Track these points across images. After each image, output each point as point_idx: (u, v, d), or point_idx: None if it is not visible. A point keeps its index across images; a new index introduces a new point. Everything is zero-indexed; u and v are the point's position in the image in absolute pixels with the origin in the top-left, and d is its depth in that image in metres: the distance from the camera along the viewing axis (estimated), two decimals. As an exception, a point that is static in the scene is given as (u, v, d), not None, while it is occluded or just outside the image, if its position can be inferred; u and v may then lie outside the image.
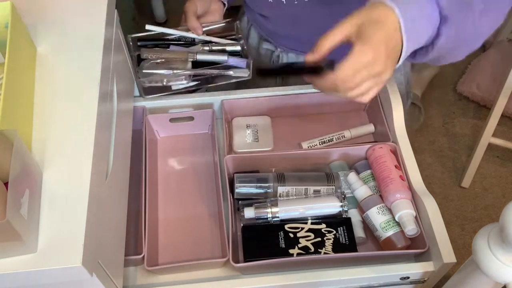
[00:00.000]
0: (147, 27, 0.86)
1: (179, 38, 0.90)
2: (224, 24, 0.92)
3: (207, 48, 0.88)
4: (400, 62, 0.62)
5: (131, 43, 0.87)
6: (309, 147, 0.88)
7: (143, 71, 0.82)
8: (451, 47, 0.65)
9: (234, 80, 0.86)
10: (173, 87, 0.85)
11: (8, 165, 0.50)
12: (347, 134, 0.89)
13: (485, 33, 0.66)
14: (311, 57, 0.62)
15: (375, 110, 0.89)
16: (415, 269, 0.71)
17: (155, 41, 0.90)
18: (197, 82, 0.86)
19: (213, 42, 0.89)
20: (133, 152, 0.82)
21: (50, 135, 0.61)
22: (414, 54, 0.66)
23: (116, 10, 0.79)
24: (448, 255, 0.69)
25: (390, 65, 0.60)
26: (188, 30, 0.89)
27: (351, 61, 0.58)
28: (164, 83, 0.84)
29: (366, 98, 0.63)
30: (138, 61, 0.86)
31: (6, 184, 0.51)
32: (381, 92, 0.88)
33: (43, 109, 0.64)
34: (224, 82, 0.86)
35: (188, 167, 0.89)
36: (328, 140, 0.88)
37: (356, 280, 0.71)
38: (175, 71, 0.82)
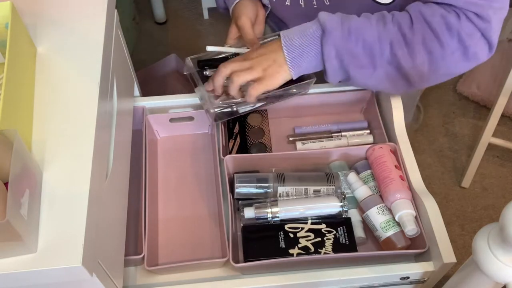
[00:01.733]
0: (208, 48, 0.82)
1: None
2: (276, 36, 0.87)
3: None
4: (294, 70, 0.75)
5: (190, 64, 0.83)
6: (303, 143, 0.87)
7: (214, 106, 0.80)
8: (353, 63, 0.73)
9: (296, 96, 0.86)
10: (241, 111, 0.84)
11: (8, 165, 0.50)
12: (344, 141, 0.88)
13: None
14: None
15: (372, 112, 0.89)
16: (415, 269, 0.71)
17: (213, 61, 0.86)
18: (263, 103, 0.84)
19: None
20: (133, 152, 0.82)
21: (50, 135, 0.61)
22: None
23: (116, 10, 0.79)
24: (448, 255, 0.69)
25: (265, 61, 0.74)
26: (243, 45, 0.85)
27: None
28: (234, 109, 0.83)
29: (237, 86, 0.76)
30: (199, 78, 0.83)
31: (6, 184, 0.51)
32: (381, 92, 0.88)
33: (43, 109, 0.64)
34: (287, 99, 0.85)
35: (188, 167, 0.89)
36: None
37: (356, 280, 0.71)
38: (241, 101, 0.80)
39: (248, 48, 0.84)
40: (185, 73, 0.84)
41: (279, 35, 0.76)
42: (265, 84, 0.75)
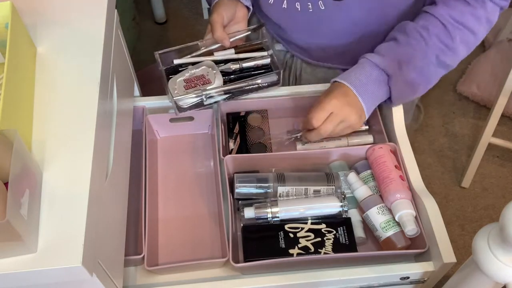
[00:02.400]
0: (175, 61, 0.87)
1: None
2: (250, 32, 0.91)
3: (237, 65, 0.87)
4: (367, 113, 0.82)
5: (159, 60, 0.86)
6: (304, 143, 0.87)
7: (174, 98, 0.82)
8: (410, 90, 0.82)
9: (264, 88, 0.88)
10: (206, 103, 0.86)
11: (8, 165, 0.50)
12: (344, 142, 0.88)
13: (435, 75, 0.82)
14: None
15: (372, 112, 0.89)
16: (415, 269, 0.71)
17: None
18: (229, 95, 0.86)
19: (242, 58, 0.88)
20: (133, 152, 0.82)
21: (50, 135, 0.61)
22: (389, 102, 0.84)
23: (116, 10, 0.79)
24: (448, 255, 0.69)
25: (351, 113, 0.80)
26: (215, 43, 0.87)
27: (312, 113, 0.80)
28: (200, 99, 0.85)
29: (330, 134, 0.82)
30: (167, 74, 0.86)
31: (6, 184, 0.51)
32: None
33: (43, 109, 0.64)
34: (255, 92, 0.87)
35: (188, 167, 0.89)
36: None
37: (356, 280, 0.71)
38: (205, 93, 0.83)
39: (218, 44, 0.87)
40: (159, 69, 0.86)
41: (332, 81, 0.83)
42: (351, 129, 0.83)
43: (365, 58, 0.81)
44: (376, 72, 0.80)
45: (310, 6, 0.85)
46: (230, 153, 0.85)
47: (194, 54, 0.88)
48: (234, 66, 0.86)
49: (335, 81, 0.82)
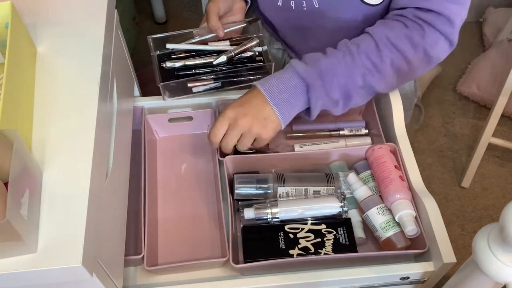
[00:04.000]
0: (168, 46, 0.86)
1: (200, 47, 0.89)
2: (246, 24, 0.91)
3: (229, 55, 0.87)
4: (283, 121, 0.76)
5: (151, 44, 0.86)
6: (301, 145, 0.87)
7: (156, 54, 0.82)
8: (330, 104, 0.77)
9: (252, 83, 0.85)
10: (194, 90, 0.85)
11: (8, 165, 0.50)
12: (342, 143, 0.88)
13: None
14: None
15: (371, 114, 0.89)
16: (415, 269, 0.71)
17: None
18: (217, 84, 0.86)
19: (235, 50, 0.87)
20: (132, 152, 0.82)
21: (50, 135, 0.61)
22: (308, 112, 0.79)
23: (116, 10, 0.79)
24: (448, 255, 0.69)
25: (253, 123, 0.74)
26: (210, 32, 0.87)
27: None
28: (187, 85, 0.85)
29: (230, 147, 0.77)
30: (159, 61, 0.86)
31: (6, 184, 0.51)
32: (382, 94, 0.88)
33: (43, 109, 0.64)
34: (244, 84, 0.87)
35: (187, 167, 0.88)
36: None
37: (356, 280, 0.71)
38: (196, 76, 0.83)
39: (212, 34, 0.86)
40: (151, 54, 0.86)
41: (251, 85, 0.78)
42: (261, 140, 0.77)
43: (290, 64, 0.77)
44: (296, 81, 0.76)
45: (304, 4, 0.85)
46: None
47: (187, 42, 0.88)
48: (226, 55, 0.86)
49: (254, 85, 0.78)
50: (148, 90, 1.00)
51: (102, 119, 0.65)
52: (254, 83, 0.77)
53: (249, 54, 0.88)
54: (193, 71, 0.85)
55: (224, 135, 0.76)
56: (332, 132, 0.89)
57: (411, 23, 0.76)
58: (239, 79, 0.86)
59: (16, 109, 0.59)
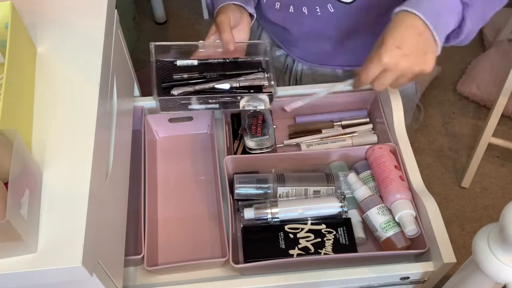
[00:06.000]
0: (179, 62, 0.81)
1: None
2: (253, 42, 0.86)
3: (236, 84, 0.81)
4: (439, 50, 0.70)
5: (152, 51, 0.81)
6: (307, 145, 0.87)
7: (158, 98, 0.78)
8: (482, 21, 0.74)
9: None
10: (190, 107, 0.80)
11: (8, 165, 0.50)
12: (348, 141, 0.88)
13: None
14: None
15: (376, 112, 0.89)
16: (415, 269, 0.71)
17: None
18: (214, 106, 0.81)
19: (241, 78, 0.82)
20: (132, 152, 0.82)
21: (50, 135, 0.61)
22: (447, 39, 0.73)
23: (116, 10, 0.79)
24: (448, 255, 0.69)
25: (415, 64, 0.68)
26: (216, 47, 0.83)
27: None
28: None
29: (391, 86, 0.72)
30: (157, 68, 0.82)
31: (6, 184, 0.51)
32: (382, 94, 0.88)
33: (43, 109, 0.64)
34: (238, 109, 0.82)
35: (187, 167, 0.89)
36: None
37: (356, 280, 0.71)
38: (195, 96, 0.78)
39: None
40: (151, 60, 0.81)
41: (400, 11, 0.69)
42: (422, 76, 0.71)
43: None
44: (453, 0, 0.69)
45: (318, 10, 0.84)
46: (235, 153, 0.84)
47: (193, 57, 0.83)
48: (231, 84, 0.81)
49: (402, 11, 0.68)
50: (148, 90, 1.00)
51: (102, 119, 0.65)
52: (403, 7, 0.68)
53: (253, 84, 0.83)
54: (193, 89, 0.80)
55: (379, 75, 0.70)
56: (335, 124, 0.89)
57: None
58: (238, 103, 0.81)
59: (16, 109, 0.59)
